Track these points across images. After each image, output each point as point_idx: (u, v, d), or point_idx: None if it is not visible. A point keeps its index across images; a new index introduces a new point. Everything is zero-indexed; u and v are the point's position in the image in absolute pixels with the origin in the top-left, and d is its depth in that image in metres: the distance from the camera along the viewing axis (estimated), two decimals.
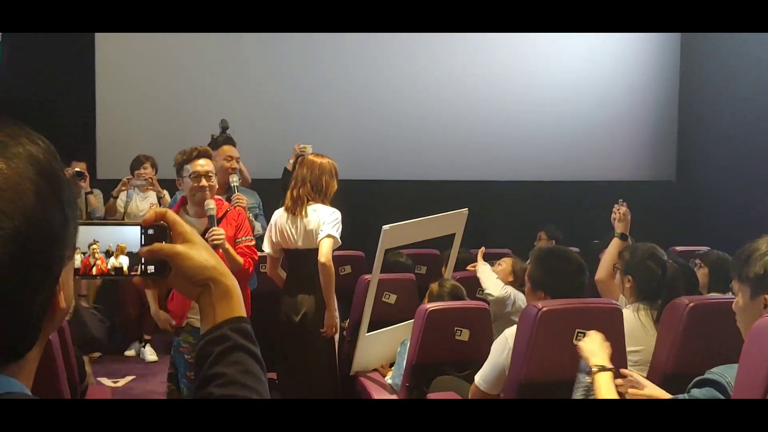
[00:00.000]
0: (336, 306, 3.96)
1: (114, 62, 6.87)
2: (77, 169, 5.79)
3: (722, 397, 1.88)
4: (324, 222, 3.83)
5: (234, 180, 4.40)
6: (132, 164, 6.02)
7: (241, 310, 1.02)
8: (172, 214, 1.02)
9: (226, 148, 4.53)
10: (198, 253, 1.01)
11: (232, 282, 1.02)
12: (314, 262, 3.83)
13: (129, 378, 5.50)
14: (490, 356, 2.94)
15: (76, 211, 0.85)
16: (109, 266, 1.00)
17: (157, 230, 1.01)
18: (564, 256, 3.05)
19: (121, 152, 6.62)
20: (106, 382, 5.30)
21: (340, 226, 3.86)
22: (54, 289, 0.82)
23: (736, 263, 2.05)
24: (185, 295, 1.03)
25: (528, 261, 4.37)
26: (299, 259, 3.94)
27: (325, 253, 3.77)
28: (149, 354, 5.94)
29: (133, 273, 1.01)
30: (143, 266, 1.01)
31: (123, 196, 5.94)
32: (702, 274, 4.12)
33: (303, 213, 3.87)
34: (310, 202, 3.90)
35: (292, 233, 3.89)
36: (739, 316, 2.06)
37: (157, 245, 1.00)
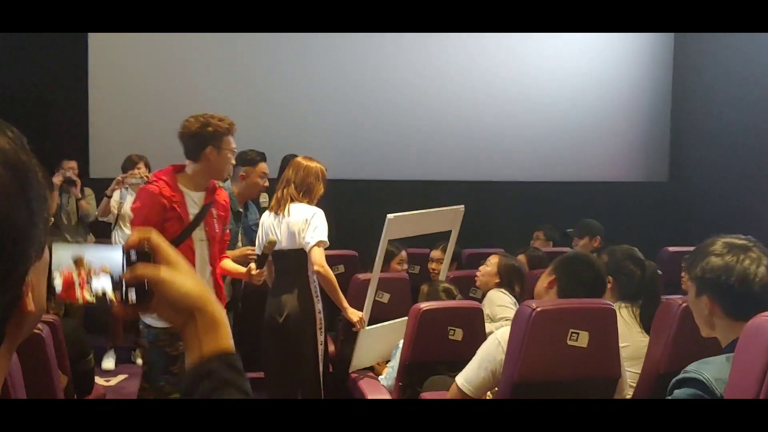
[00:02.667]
0: (347, 305, 3.97)
1: (107, 60, 6.85)
2: (68, 175, 5.72)
3: (705, 395, 1.86)
4: (309, 225, 3.78)
5: (264, 201, 4.37)
6: (124, 164, 5.88)
7: (229, 342, 0.97)
8: (156, 238, 0.96)
9: (264, 166, 4.45)
10: (183, 279, 0.95)
11: (219, 310, 0.97)
12: (297, 262, 3.82)
13: (122, 377, 5.49)
14: (478, 358, 2.89)
15: (45, 206, 0.80)
16: (92, 290, 0.94)
17: (140, 254, 0.95)
18: (591, 265, 2.94)
19: (115, 151, 6.59)
20: (99, 380, 5.28)
21: (325, 226, 3.82)
22: (19, 290, 0.78)
23: (688, 257, 2.05)
24: (169, 323, 0.97)
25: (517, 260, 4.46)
26: (283, 259, 3.93)
27: (317, 261, 3.73)
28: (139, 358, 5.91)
29: (114, 299, 0.95)
30: (125, 292, 0.94)
31: (116, 195, 5.83)
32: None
33: (285, 212, 3.85)
34: (294, 202, 3.88)
35: (276, 233, 3.88)
36: (692, 311, 2.07)
37: (140, 269, 0.94)
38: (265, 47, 7.13)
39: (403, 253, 5.12)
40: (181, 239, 3.27)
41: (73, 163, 5.99)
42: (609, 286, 3.34)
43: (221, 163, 3.35)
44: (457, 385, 2.88)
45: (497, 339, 2.86)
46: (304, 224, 3.79)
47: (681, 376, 1.92)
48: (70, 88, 6.80)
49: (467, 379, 2.86)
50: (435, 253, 5.13)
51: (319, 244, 3.76)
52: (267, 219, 3.97)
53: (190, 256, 3.30)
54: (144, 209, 3.23)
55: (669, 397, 1.93)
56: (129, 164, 5.87)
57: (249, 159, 4.42)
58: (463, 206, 4.64)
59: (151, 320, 3.31)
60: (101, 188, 6.21)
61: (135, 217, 3.31)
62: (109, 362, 5.91)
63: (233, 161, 3.43)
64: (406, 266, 5.12)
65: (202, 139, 3.31)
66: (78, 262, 0.93)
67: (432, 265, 5.12)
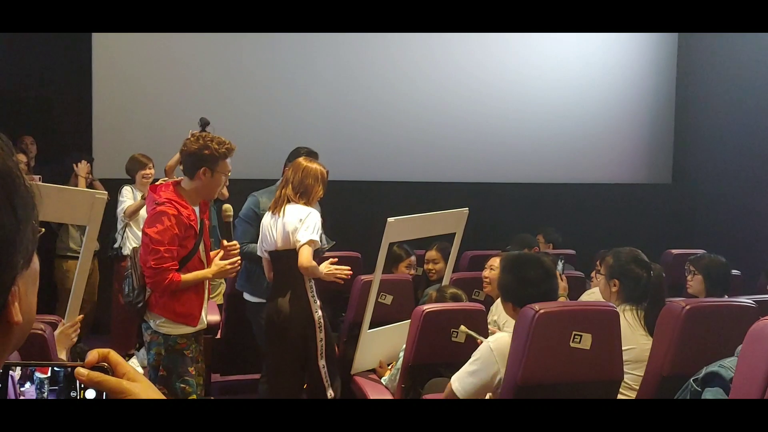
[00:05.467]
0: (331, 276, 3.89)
1: (111, 61, 6.85)
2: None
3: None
4: (301, 225, 3.76)
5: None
6: (133, 165, 5.78)
7: None
8: (114, 355, 0.91)
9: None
10: (145, 393, 0.90)
11: None
12: (291, 264, 3.79)
13: None
14: (472, 366, 2.88)
15: (32, 214, 0.79)
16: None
17: (99, 370, 0.90)
18: (532, 262, 2.96)
19: (119, 151, 6.60)
20: None
21: (318, 227, 3.80)
22: (4, 298, 0.77)
23: None
24: None
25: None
26: (279, 260, 3.91)
27: (304, 261, 3.69)
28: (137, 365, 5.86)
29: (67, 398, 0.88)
30: (82, 391, 0.88)
31: (128, 194, 5.74)
32: (697, 281, 4.10)
33: (281, 213, 3.84)
34: (290, 203, 3.86)
35: (272, 234, 3.86)
36: None
37: (102, 376, 0.88)
38: (268, 48, 7.13)
39: (413, 258, 5.09)
40: (193, 253, 3.48)
41: (88, 166, 5.99)
42: (615, 289, 3.34)
43: (213, 184, 3.53)
44: (451, 387, 2.90)
45: (489, 347, 2.85)
46: (298, 224, 3.77)
47: (712, 369, 1.96)
48: (74, 88, 6.79)
49: (461, 384, 2.87)
50: (430, 254, 5.09)
51: (309, 243, 3.73)
52: (266, 219, 3.96)
53: (201, 268, 3.54)
54: (172, 229, 3.37)
55: (695, 387, 1.98)
56: (138, 165, 5.79)
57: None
58: (467, 209, 4.63)
59: (166, 329, 3.46)
60: (104, 188, 6.22)
61: (162, 239, 3.35)
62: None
63: (226, 183, 3.62)
64: (413, 271, 5.10)
65: (198, 159, 3.46)
66: None
67: (428, 266, 5.09)
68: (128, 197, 5.76)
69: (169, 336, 3.44)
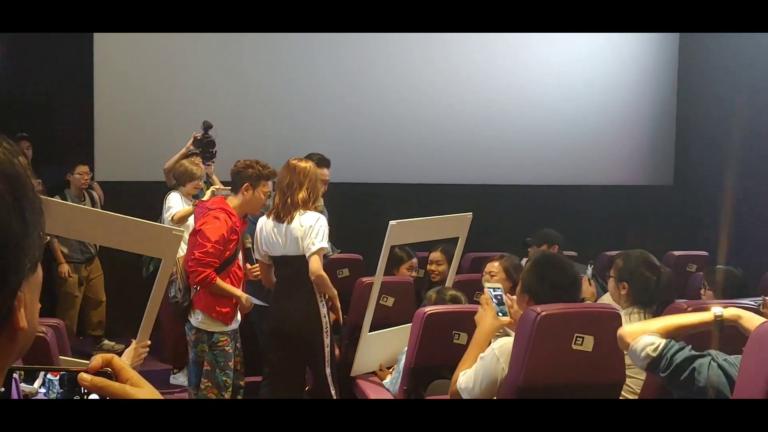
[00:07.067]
0: (336, 303, 3.97)
1: (112, 64, 6.84)
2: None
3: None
4: (311, 231, 3.75)
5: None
6: (185, 173, 5.40)
7: None
8: (118, 361, 0.91)
9: (324, 172, 4.60)
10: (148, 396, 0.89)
11: None
12: (300, 269, 3.79)
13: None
14: (478, 370, 2.87)
15: (40, 219, 0.79)
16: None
17: (103, 376, 0.90)
18: (560, 266, 2.98)
19: (120, 155, 6.59)
20: None
21: (327, 233, 3.82)
22: (11, 303, 0.77)
23: None
24: None
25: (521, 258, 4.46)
26: (286, 265, 3.90)
27: (315, 270, 3.73)
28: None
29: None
30: (85, 396, 0.88)
31: (174, 201, 5.36)
32: (708, 296, 4.04)
33: (289, 219, 3.81)
34: (304, 209, 3.83)
35: (278, 240, 3.84)
36: None
37: (106, 381, 0.87)
38: (270, 50, 7.12)
39: (414, 260, 5.08)
40: (234, 257, 3.87)
41: (86, 168, 5.96)
42: (624, 292, 3.31)
43: (254, 200, 3.94)
44: (456, 390, 2.89)
45: (495, 353, 2.84)
46: (308, 230, 3.75)
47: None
48: (75, 91, 6.78)
49: (467, 389, 2.86)
50: (434, 255, 5.08)
51: (319, 251, 3.74)
52: (267, 224, 3.92)
53: (240, 273, 3.99)
54: (220, 229, 3.78)
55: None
56: (191, 175, 5.42)
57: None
58: (470, 214, 4.62)
59: (207, 326, 3.87)
60: (106, 191, 6.22)
61: (210, 236, 3.75)
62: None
63: (267, 202, 4.02)
64: (415, 273, 5.09)
65: (243, 177, 3.93)
66: None
67: (431, 267, 5.07)
68: (176, 203, 5.36)
69: (212, 334, 3.84)
